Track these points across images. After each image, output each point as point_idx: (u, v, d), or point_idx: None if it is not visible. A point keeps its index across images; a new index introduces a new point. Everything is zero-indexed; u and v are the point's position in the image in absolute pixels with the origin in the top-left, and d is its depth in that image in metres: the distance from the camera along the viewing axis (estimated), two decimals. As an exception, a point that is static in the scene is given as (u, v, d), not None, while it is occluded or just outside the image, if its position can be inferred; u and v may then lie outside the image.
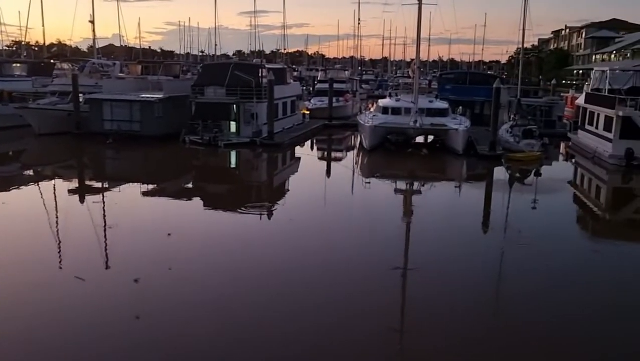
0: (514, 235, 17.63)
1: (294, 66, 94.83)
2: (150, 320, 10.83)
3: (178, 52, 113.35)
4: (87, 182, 25.19)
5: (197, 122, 32.07)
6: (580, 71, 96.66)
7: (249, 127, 32.45)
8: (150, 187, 23.79)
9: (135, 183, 24.32)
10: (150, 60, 62.10)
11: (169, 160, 29.95)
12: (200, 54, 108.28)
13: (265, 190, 24.55)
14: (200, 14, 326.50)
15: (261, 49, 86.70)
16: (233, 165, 30.38)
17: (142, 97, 32.93)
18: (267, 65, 37.73)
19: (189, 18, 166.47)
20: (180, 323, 10.72)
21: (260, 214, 19.60)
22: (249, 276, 13.15)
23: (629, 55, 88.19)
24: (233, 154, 31.02)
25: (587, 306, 11.96)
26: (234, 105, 32.65)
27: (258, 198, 23.04)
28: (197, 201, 21.51)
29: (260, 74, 33.76)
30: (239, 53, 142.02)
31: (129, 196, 22.03)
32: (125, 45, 79.35)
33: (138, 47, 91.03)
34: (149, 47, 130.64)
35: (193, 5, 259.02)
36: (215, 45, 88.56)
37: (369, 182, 26.08)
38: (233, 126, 33.18)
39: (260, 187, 25.17)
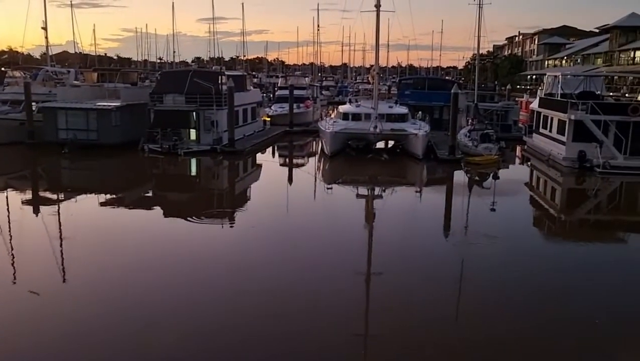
0: (475, 237, 17.96)
1: (253, 73, 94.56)
2: (109, 333, 10.53)
3: (135, 59, 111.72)
4: (42, 193, 24.39)
5: (156, 130, 31.57)
6: (534, 76, 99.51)
7: (209, 134, 32.14)
8: (108, 197, 23.24)
9: (93, 194, 23.73)
10: (106, 68, 60.93)
11: (128, 169, 29.37)
12: (158, 61, 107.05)
13: (227, 198, 24.32)
14: (158, 21, 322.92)
15: (220, 56, 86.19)
16: (193, 173, 29.99)
17: (99, 105, 32.21)
18: (226, 72, 37.46)
19: (146, 24, 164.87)
20: (140, 335, 10.47)
21: (222, 222, 19.40)
22: (209, 285, 12.97)
23: (579, 60, 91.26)
24: (193, 162, 30.64)
25: (546, 307, 12.22)
26: (194, 113, 32.28)
27: (219, 206, 22.81)
28: (157, 210, 21.15)
29: (219, 81, 33.51)
30: (198, 60, 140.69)
31: (85, 207, 21.48)
32: (80, 53, 77.76)
33: (94, 54, 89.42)
34: (105, 54, 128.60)
35: (150, 12, 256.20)
36: (174, 52, 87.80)
37: (330, 188, 26.13)
38: (193, 134, 32.78)
39: (221, 195, 24.92)
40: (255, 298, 12.29)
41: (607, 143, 27.97)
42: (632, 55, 74.72)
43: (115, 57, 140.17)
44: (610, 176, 26.92)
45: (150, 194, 24.99)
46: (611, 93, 48.75)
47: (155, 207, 21.70)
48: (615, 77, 65.59)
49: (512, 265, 14.89)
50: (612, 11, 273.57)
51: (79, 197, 23.10)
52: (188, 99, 32.06)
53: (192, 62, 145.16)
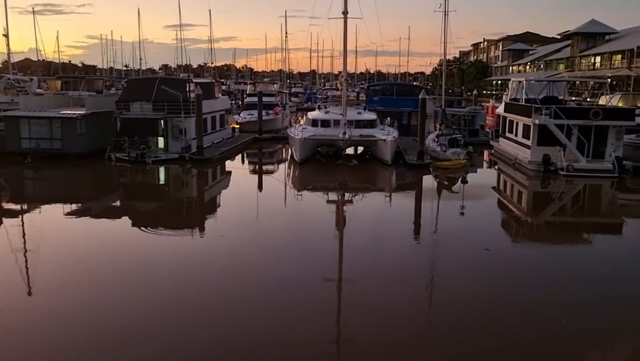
0: (445, 241, 18.14)
1: (222, 80, 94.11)
2: (75, 348, 10.27)
3: (101, 67, 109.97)
4: (4, 205, 23.71)
5: (123, 138, 31.10)
6: (499, 82, 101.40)
7: (178, 142, 31.82)
8: (74, 207, 22.73)
9: (57, 204, 23.16)
10: (70, 76, 59.84)
11: (94, 178, 28.80)
12: (124, 68, 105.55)
13: (196, 206, 24.05)
14: (124, 27, 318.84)
15: (188, 63, 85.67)
16: (162, 181, 29.58)
17: (63, 113, 31.53)
18: (194, 80, 37.15)
19: (112, 31, 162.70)
20: (108, 348, 10.23)
21: (191, 231, 19.17)
22: (178, 295, 12.76)
23: (542, 66, 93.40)
24: (162, 170, 30.24)
25: (517, 308, 12.40)
26: (162, 121, 31.90)
27: (188, 214, 22.55)
28: (124, 220, 20.76)
29: (187, 89, 33.21)
30: (165, 67, 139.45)
31: (50, 218, 20.95)
32: (43, 60, 76.25)
33: (57, 61, 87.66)
34: (69, 61, 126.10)
35: (116, 18, 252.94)
36: (140, 59, 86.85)
37: (300, 195, 26.09)
38: (161, 142, 32.38)
39: (190, 203, 24.63)
40: (225, 307, 12.15)
41: (570, 147, 28.63)
42: (592, 61, 76.81)
43: (79, 65, 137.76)
44: (573, 179, 27.54)
45: (117, 204, 24.54)
46: (573, 98, 50.05)
47: (122, 217, 21.30)
48: (577, 82, 67.34)
49: (482, 267, 15.07)
50: (573, 18, 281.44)
51: (43, 207, 22.53)
52: (155, 107, 31.69)
53: (160, 69, 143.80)
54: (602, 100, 37.67)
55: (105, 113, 32.47)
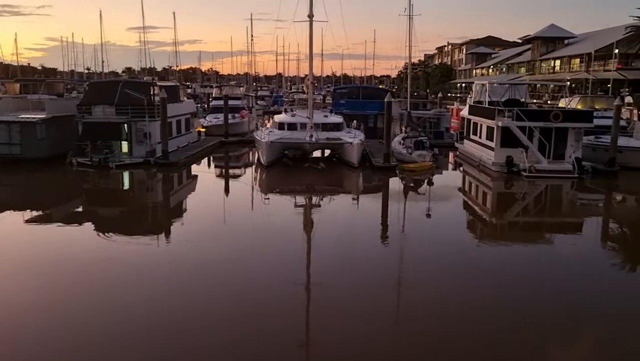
0: (412, 242, 18.31)
1: (187, 83, 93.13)
2: (34, 356, 9.97)
3: (61, 70, 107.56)
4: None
5: (86, 142, 30.45)
6: (463, 84, 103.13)
7: (142, 146, 31.32)
8: (34, 214, 22.10)
9: (17, 211, 22.49)
10: (30, 79, 58.23)
11: (55, 184, 28.08)
12: (86, 71, 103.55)
13: (161, 211, 23.68)
14: (85, 29, 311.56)
15: (152, 66, 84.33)
16: (126, 186, 29.05)
17: (22, 117, 30.70)
18: (159, 83, 36.62)
19: (72, 33, 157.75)
20: (67, 357, 9.97)
21: (156, 237, 18.85)
22: (143, 301, 12.52)
23: (504, 69, 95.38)
24: (126, 175, 29.69)
25: (483, 307, 12.57)
26: (125, 125, 31.35)
27: (153, 220, 22.18)
28: (87, 226, 20.25)
29: (152, 92, 32.72)
30: (128, 70, 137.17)
31: (9, 225, 20.31)
32: (1, 63, 74.17)
33: (16, 64, 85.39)
34: (29, 64, 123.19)
35: (76, 20, 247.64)
36: (103, 62, 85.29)
37: (268, 198, 25.96)
38: (125, 146, 31.81)
39: (155, 208, 24.25)
40: (192, 313, 11.98)
41: (532, 149, 29.25)
42: (552, 64, 78.82)
43: (39, 68, 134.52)
44: (535, 179, 28.14)
45: (80, 210, 23.99)
46: (534, 101, 51.29)
47: (85, 223, 20.78)
48: (537, 85, 68.94)
49: (448, 268, 15.24)
50: (533, 22, 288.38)
51: (1, 215, 21.83)
52: (118, 110, 31.12)
53: (123, 72, 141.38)
54: (562, 103, 38.67)
55: (66, 117, 31.74)
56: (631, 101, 41.16)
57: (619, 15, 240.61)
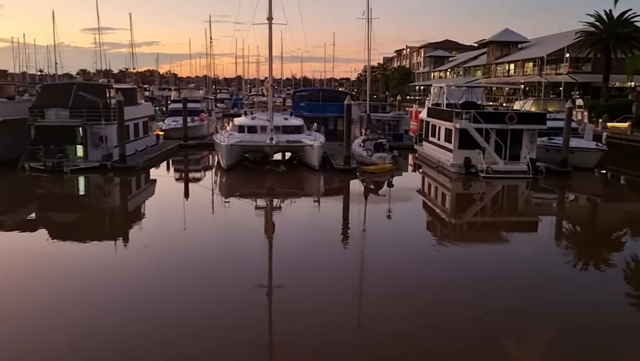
0: (373, 243, 18.41)
1: (145, 86, 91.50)
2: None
3: (12, 72, 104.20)
4: None
5: (38, 147, 29.53)
6: (422, 87, 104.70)
7: (98, 150, 30.58)
8: (-16, 221, 21.29)
9: (-35, 218, 21.64)
10: (-21, 81, 56.13)
11: (5, 189, 27.13)
12: (39, 73, 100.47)
13: (119, 217, 23.16)
14: (37, 30, 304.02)
15: (108, 68, 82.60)
16: (82, 191, 28.30)
17: (-30, 121, 29.59)
18: (115, 85, 35.85)
19: (24, 34, 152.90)
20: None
21: (113, 243, 18.42)
22: (99, 309, 12.19)
23: (461, 72, 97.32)
24: (81, 180, 28.93)
25: (443, 307, 12.75)
26: (80, 128, 30.56)
27: (111, 225, 21.66)
28: (40, 233, 19.62)
29: (107, 95, 32.01)
30: (83, 72, 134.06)
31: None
32: (-52, 65, 71.27)
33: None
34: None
35: (28, 21, 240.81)
36: (56, 63, 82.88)
37: (228, 202, 25.71)
38: (80, 150, 31.00)
39: (112, 214, 23.70)
40: (152, 320, 11.74)
41: (489, 150, 29.87)
42: (507, 68, 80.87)
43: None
44: (492, 180, 28.76)
45: (32, 216, 23.23)
46: (490, 103, 52.43)
47: (38, 230, 20.15)
48: (493, 88, 70.56)
49: (409, 269, 15.41)
50: (488, 27, 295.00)
51: (-51, 222, 20.96)
52: (73, 114, 30.33)
53: (77, 74, 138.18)
54: (517, 105, 39.65)
55: (18, 120, 30.72)
56: (582, 104, 42.53)
57: (570, 20, 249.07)
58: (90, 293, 13.27)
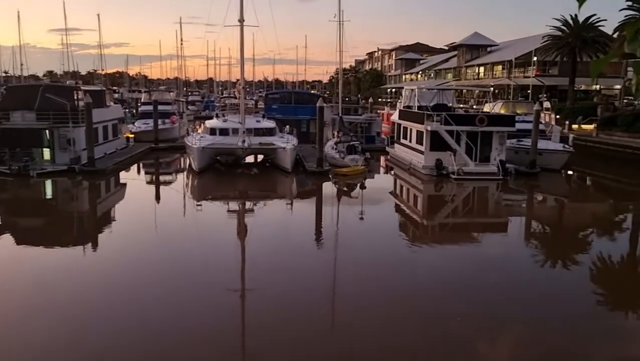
0: (346, 246, 18.45)
1: (114, 88, 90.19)
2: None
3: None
4: None
5: (3, 150, 28.80)
6: (393, 90, 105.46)
7: (66, 153, 29.97)
8: (-54, 226, 20.67)
9: None
10: (-60, 83, 54.62)
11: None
12: (3, 74, 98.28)
13: (87, 221, 22.74)
14: (2, 31, 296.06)
15: (76, 70, 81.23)
16: (49, 195, 27.71)
17: None
18: (83, 87, 35.22)
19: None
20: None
21: (82, 247, 18.07)
22: (68, 317, 11.94)
23: (432, 75, 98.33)
24: (48, 184, 28.31)
25: (417, 308, 12.83)
26: (47, 131, 29.92)
27: (79, 230, 21.27)
28: (5, 239, 19.13)
29: (75, 97, 31.41)
30: (50, 74, 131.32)
31: None
32: None
33: None
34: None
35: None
36: (22, 65, 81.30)
37: (200, 205, 25.47)
38: (47, 153, 30.33)
39: (81, 218, 23.26)
40: (123, 324, 11.54)
41: (460, 152, 30.20)
42: (477, 71, 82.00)
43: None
44: (464, 182, 29.09)
45: (-3, 221, 22.64)
46: (461, 105, 53.11)
47: (2, 235, 19.64)
48: (464, 90, 71.52)
49: (382, 270, 15.46)
50: (459, 30, 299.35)
51: None
52: (39, 116, 29.66)
53: (44, 76, 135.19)
54: (486, 107, 40.24)
55: (-19, 123, 29.93)
56: (549, 106, 43.42)
57: (537, 24, 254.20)
58: (55, 300, 12.97)
